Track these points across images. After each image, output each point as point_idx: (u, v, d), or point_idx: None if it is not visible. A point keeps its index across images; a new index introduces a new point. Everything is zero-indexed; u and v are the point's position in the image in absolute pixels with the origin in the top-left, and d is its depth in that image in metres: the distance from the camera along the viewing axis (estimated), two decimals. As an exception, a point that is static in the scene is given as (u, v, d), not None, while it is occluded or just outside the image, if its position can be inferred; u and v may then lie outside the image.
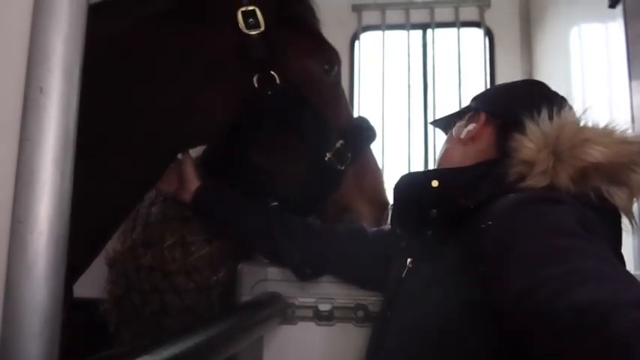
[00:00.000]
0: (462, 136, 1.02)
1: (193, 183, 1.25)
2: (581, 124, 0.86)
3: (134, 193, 1.17)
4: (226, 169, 1.24)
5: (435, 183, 0.90)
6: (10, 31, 0.48)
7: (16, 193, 0.46)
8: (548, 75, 2.11)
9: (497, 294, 0.70)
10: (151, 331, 1.36)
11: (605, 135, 0.82)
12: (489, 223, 0.77)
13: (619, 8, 1.36)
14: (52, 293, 0.45)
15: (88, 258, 1.11)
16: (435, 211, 0.90)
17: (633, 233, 0.84)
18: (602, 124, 0.85)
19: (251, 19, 1.09)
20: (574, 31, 1.85)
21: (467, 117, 1.07)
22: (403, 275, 0.97)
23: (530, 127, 0.86)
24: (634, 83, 1.30)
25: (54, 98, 0.47)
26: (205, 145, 1.30)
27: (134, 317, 1.40)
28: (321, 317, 1.21)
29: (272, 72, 1.12)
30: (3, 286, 0.44)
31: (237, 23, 1.09)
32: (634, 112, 1.28)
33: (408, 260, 0.98)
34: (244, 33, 1.09)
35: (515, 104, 0.96)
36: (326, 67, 1.23)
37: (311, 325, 1.22)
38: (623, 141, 0.81)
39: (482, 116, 1.01)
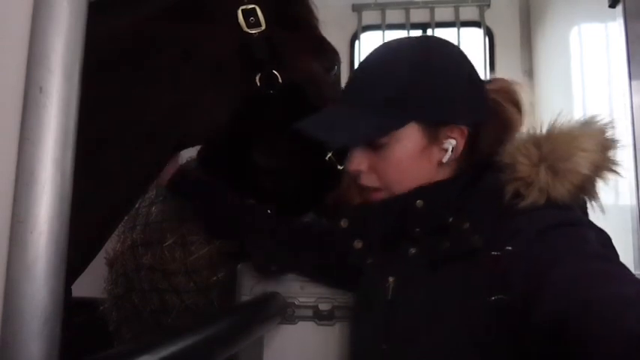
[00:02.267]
0: (445, 161, 0.87)
1: (172, 166, 1.26)
2: (564, 125, 0.83)
3: (131, 192, 1.17)
4: (225, 168, 1.24)
5: (419, 203, 0.84)
6: (9, 30, 0.48)
7: (16, 193, 0.46)
8: (548, 74, 2.11)
9: (528, 320, 0.68)
10: (151, 330, 1.36)
11: (592, 137, 0.80)
12: (508, 248, 0.74)
13: (619, 8, 1.36)
14: (52, 293, 0.45)
15: (86, 258, 1.11)
16: (418, 230, 0.86)
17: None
18: (578, 121, 0.83)
19: (252, 18, 1.09)
20: (574, 31, 1.85)
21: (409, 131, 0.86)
22: (389, 297, 0.89)
23: (521, 138, 0.83)
24: (634, 83, 1.30)
25: (54, 98, 0.47)
26: (203, 144, 1.30)
27: (134, 317, 1.40)
28: (321, 317, 1.21)
29: (274, 71, 1.12)
30: (3, 286, 0.44)
31: (237, 22, 1.09)
32: (634, 112, 1.29)
33: (390, 279, 0.90)
34: (245, 32, 1.09)
35: (474, 104, 0.89)
36: (326, 66, 1.23)
37: (311, 325, 1.22)
38: (607, 147, 0.81)
39: (465, 130, 0.87)
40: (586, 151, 0.78)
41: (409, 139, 0.86)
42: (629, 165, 1.27)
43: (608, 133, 0.81)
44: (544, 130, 0.82)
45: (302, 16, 1.22)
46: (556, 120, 0.82)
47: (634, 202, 1.24)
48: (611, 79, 1.47)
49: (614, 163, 0.80)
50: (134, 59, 1.06)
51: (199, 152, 1.34)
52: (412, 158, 0.87)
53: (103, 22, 0.88)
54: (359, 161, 0.87)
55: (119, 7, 1.08)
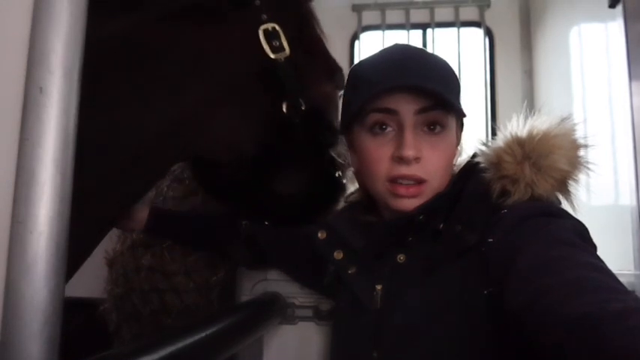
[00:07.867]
0: (455, 163, 0.91)
1: (141, 211, 1.20)
2: (542, 125, 0.85)
3: (128, 198, 1.13)
4: (238, 193, 1.19)
5: (422, 218, 0.85)
6: (9, 31, 0.48)
7: (15, 193, 0.46)
8: (548, 75, 2.11)
9: (505, 308, 0.69)
10: (151, 331, 1.36)
11: (566, 135, 0.83)
12: (490, 240, 0.76)
13: (619, 8, 1.36)
14: (51, 293, 0.45)
15: (77, 262, 1.08)
16: (411, 239, 0.86)
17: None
18: (556, 121, 0.85)
19: (275, 41, 1.05)
20: (574, 31, 1.85)
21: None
22: (378, 306, 0.87)
23: (506, 138, 0.84)
24: (634, 84, 1.30)
25: (54, 98, 0.47)
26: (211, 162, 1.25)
27: (134, 317, 1.40)
28: (321, 317, 1.21)
29: (300, 98, 1.09)
30: (3, 286, 0.44)
31: (260, 46, 1.05)
32: (634, 113, 1.28)
33: (378, 287, 0.88)
34: (270, 57, 1.05)
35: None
36: (336, 86, 1.22)
37: (311, 325, 1.22)
38: (579, 146, 0.83)
39: (455, 120, 0.90)
40: (562, 148, 0.81)
41: (453, 131, 0.89)
42: (629, 165, 1.27)
43: (579, 132, 0.84)
44: (525, 130, 0.85)
45: (316, 36, 1.20)
46: (534, 120, 0.85)
47: (634, 202, 1.24)
48: (611, 80, 1.47)
49: (586, 160, 0.83)
50: (135, 65, 1.01)
51: (200, 174, 1.28)
52: (453, 152, 0.90)
53: (107, 24, 0.87)
54: (418, 148, 0.84)
55: (123, 10, 1.05)
